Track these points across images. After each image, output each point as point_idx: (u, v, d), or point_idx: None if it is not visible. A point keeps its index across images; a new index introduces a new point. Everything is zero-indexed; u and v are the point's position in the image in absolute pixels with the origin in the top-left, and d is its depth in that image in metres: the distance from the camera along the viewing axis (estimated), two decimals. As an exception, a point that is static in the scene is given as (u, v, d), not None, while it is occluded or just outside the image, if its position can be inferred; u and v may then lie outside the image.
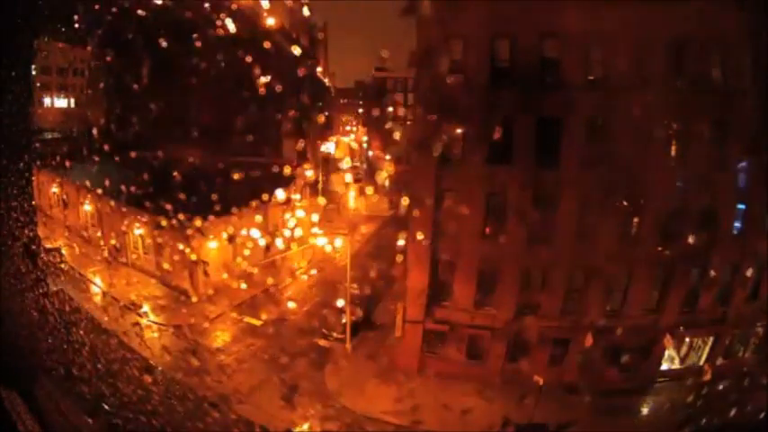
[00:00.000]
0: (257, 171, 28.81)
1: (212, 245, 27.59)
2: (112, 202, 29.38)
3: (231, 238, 28.03)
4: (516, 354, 21.00)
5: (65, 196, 33.74)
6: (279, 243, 31.10)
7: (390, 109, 48.56)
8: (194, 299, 26.28)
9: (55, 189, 34.26)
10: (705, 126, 19.64)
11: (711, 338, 21.73)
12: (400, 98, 47.52)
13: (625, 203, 20.22)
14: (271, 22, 34.05)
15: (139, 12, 27.81)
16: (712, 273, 20.82)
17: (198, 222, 24.00)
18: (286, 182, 31.83)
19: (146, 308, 25.67)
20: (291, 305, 27.41)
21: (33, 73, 23.60)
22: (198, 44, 26.23)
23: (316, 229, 33.44)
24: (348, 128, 57.90)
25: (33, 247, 4.64)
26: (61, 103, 38.71)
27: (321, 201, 36.88)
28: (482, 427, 17.82)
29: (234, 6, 30.28)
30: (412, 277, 22.05)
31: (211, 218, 24.29)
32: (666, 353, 21.56)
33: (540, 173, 19.63)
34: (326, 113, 46.52)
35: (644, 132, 19.07)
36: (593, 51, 19.58)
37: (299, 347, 23.32)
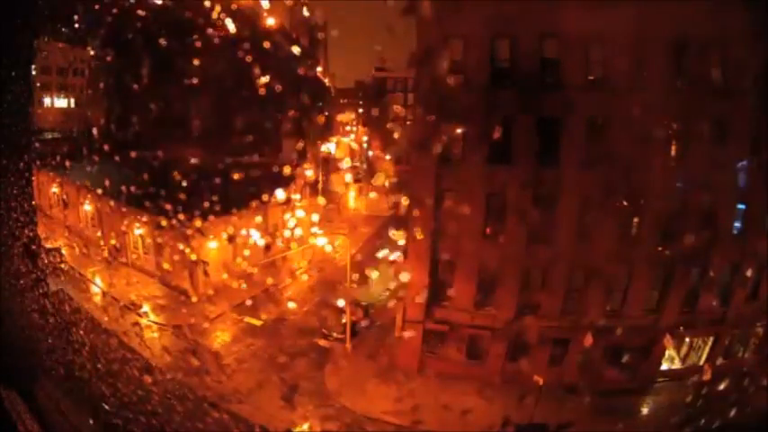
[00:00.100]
0: (257, 171, 28.83)
1: (212, 245, 27.59)
2: (112, 202, 29.39)
3: (231, 238, 28.02)
4: (516, 354, 21.00)
5: (65, 196, 33.73)
6: (279, 243, 31.10)
7: (391, 109, 48.57)
8: (194, 299, 26.28)
9: (55, 189, 34.25)
10: (705, 126, 19.63)
11: (711, 338, 21.73)
12: (400, 98, 47.49)
13: (625, 203, 20.21)
14: (271, 22, 34.07)
15: (139, 12, 27.82)
16: (712, 273, 20.82)
17: (198, 222, 23.98)
18: (286, 182, 31.83)
19: (146, 308, 25.67)
20: (291, 305, 27.41)
21: (33, 73, 23.60)
22: (198, 44, 26.23)
23: (316, 229, 33.44)
24: (348, 128, 57.87)
25: (33, 247, 4.64)
26: (61, 103, 38.70)
27: (321, 201, 36.87)
28: (482, 427, 17.80)
29: (234, 6, 30.29)
30: (412, 277, 22.05)
31: (211, 218, 24.27)
32: (666, 353, 21.56)
33: (540, 173, 19.62)
34: (326, 113, 46.50)
35: (644, 132, 19.06)
36: (593, 51, 19.59)
37: (299, 347, 23.33)
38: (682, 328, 21.27)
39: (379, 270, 25.79)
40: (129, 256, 30.30)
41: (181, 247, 26.38)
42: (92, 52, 34.71)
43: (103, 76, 34.15)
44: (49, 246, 26.00)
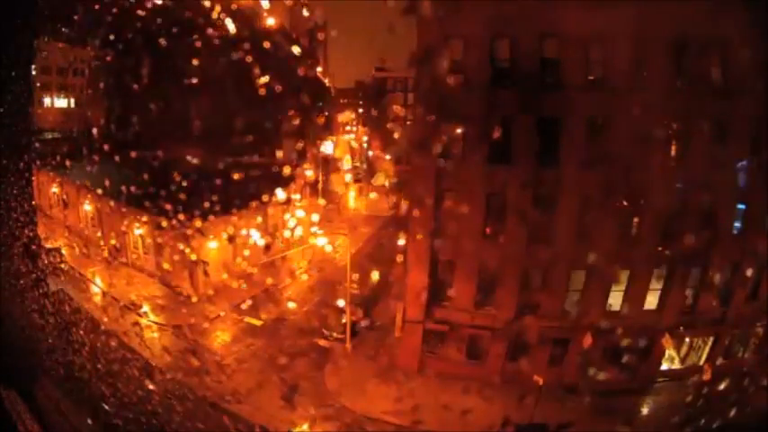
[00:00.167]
0: (257, 171, 28.84)
1: (212, 245, 27.59)
2: (112, 202, 29.39)
3: (231, 238, 28.03)
4: (516, 354, 20.99)
5: (65, 196, 33.74)
6: (279, 243, 31.10)
7: (391, 109, 48.56)
8: (194, 299, 26.28)
9: (55, 189, 34.26)
10: (705, 126, 19.63)
11: (711, 338, 21.72)
12: (400, 98, 47.48)
13: (625, 203, 20.22)
14: (271, 22, 34.07)
15: (139, 12, 27.82)
16: (712, 273, 20.82)
17: (198, 222, 23.98)
18: (286, 182, 31.83)
19: (146, 308, 25.67)
20: (291, 305, 27.41)
21: (33, 73, 23.59)
22: (198, 44, 26.23)
23: (316, 229, 33.44)
24: (348, 128, 57.86)
25: (33, 247, 4.64)
26: (61, 103, 38.69)
27: (321, 201, 36.87)
28: (482, 427, 17.80)
29: (234, 6, 30.29)
30: (412, 277, 22.05)
31: (211, 218, 24.28)
32: (666, 353, 21.55)
33: (540, 173, 19.62)
34: (326, 113, 46.51)
35: (644, 132, 19.06)
36: (593, 51, 19.58)
37: (299, 347, 23.32)
38: (682, 328, 21.27)
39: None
40: (129, 256, 30.30)
41: (181, 247, 26.38)
42: (92, 52, 34.70)
43: (103, 76, 34.15)
44: (49, 246, 26.04)
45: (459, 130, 20.41)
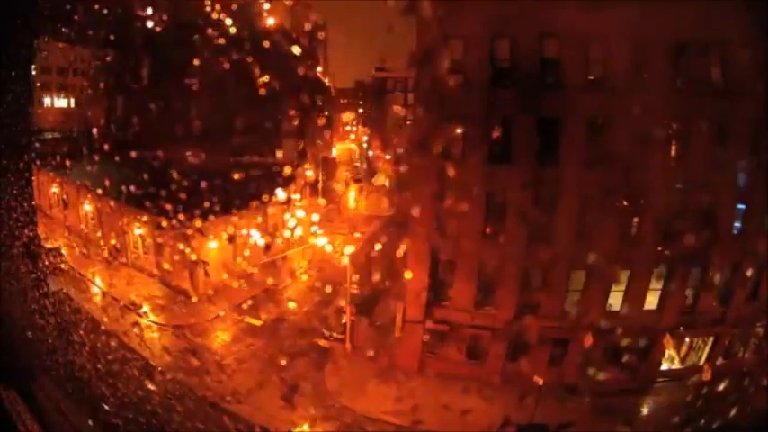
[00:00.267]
0: (257, 171, 28.85)
1: (212, 245, 27.59)
2: (112, 202, 29.37)
3: (231, 239, 28.03)
4: (516, 354, 20.99)
5: (65, 196, 33.71)
6: (279, 243, 31.10)
7: (391, 109, 48.57)
8: (194, 299, 26.29)
9: (55, 189, 34.23)
10: (705, 126, 19.63)
11: (711, 338, 21.72)
12: (400, 98, 47.46)
13: (625, 203, 20.21)
14: (271, 22, 34.08)
15: (139, 12, 27.84)
16: (712, 273, 20.82)
17: (198, 222, 24.00)
18: (286, 182, 31.84)
19: (146, 308, 25.66)
20: (291, 305, 27.41)
21: (33, 73, 23.60)
22: (198, 44, 26.25)
23: (316, 229, 33.43)
24: (348, 128, 57.85)
25: (33, 247, 4.65)
26: (61, 103, 38.67)
27: (321, 201, 36.85)
28: (482, 427, 17.80)
29: (234, 6, 30.29)
30: (412, 277, 22.04)
31: (211, 218, 24.29)
32: (666, 353, 21.55)
33: (540, 173, 19.62)
34: (326, 113, 46.51)
35: (644, 132, 19.06)
36: (593, 51, 19.58)
37: (299, 347, 23.32)
38: (682, 328, 21.26)
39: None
40: (129, 256, 30.29)
41: (181, 247, 26.39)
42: (92, 52, 34.70)
43: (103, 76, 34.16)
44: (49, 246, 26.00)
45: (459, 130, 20.41)
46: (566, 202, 19.88)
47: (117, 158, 26.62)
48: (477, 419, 17.94)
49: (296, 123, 34.64)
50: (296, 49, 36.13)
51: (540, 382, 18.44)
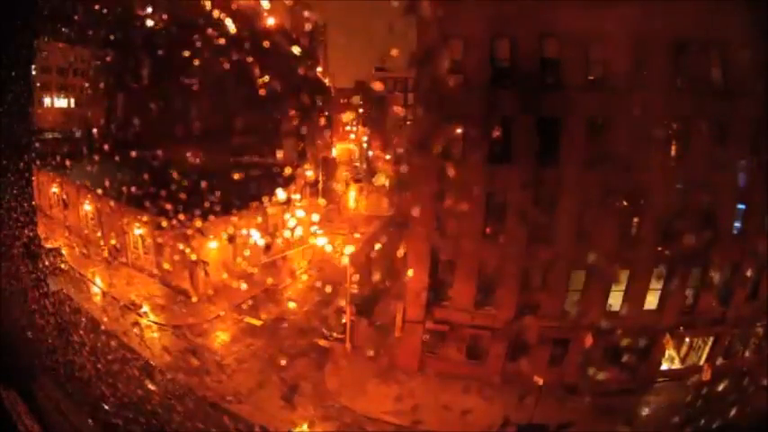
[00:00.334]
0: (257, 171, 28.85)
1: (212, 245, 27.59)
2: (112, 202, 29.37)
3: (231, 238, 28.04)
4: (516, 354, 20.99)
5: (65, 196, 33.70)
6: (279, 243, 31.09)
7: (391, 109, 48.55)
8: (194, 299, 26.29)
9: (55, 189, 34.22)
10: (705, 126, 19.63)
11: (711, 338, 21.72)
12: (400, 98, 47.45)
13: (625, 203, 20.21)
14: (271, 22, 34.08)
15: (139, 12, 27.84)
16: (712, 273, 20.82)
17: (198, 222, 24.00)
18: (286, 182, 31.85)
19: (146, 308, 25.66)
20: (291, 305, 27.41)
21: (33, 73, 23.59)
22: (198, 44, 26.24)
23: (316, 229, 33.43)
24: (348, 128, 57.83)
25: (33, 247, 4.64)
26: (61, 103, 38.66)
27: (321, 201, 36.84)
28: (482, 427, 17.81)
29: (234, 6, 30.30)
30: (412, 277, 22.04)
31: (211, 218, 24.30)
32: (666, 353, 21.55)
33: (540, 173, 19.63)
34: (326, 113, 46.52)
35: (644, 132, 19.07)
36: (593, 51, 19.58)
37: (299, 347, 23.32)
38: (682, 328, 21.26)
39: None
40: (129, 256, 30.29)
41: (181, 247, 26.40)
42: (92, 52, 34.71)
43: (103, 76, 34.17)
44: (49, 246, 26.00)
45: (459, 130, 20.41)
46: (566, 202, 19.88)
47: (117, 158, 26.61)
48: (477, 419, 17.95)
49: (296, 123, 34.63)
50: (296, 50, 36.15)
51: (540, 382, 18.44)
